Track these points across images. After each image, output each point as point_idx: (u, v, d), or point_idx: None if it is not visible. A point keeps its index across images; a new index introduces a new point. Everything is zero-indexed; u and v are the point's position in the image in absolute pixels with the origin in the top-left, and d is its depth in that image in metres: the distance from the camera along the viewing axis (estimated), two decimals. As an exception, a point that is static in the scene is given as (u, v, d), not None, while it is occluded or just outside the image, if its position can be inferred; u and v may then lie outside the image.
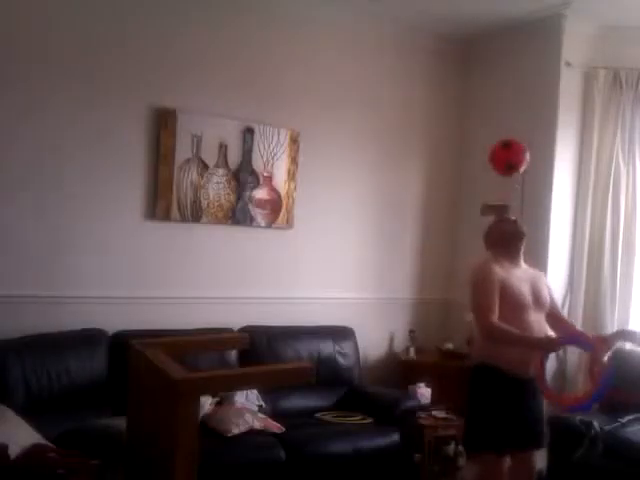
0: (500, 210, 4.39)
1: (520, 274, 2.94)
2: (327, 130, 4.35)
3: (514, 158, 3.48)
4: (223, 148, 3.98)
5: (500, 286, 2.84)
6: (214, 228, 4.00)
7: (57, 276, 3.54)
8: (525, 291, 2.89)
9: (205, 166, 3.93)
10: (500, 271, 2.88)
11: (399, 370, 4.53)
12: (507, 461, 2.85)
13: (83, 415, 3.10)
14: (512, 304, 2.84)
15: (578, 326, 4.16)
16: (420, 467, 3.85)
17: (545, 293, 3.00)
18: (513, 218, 3.12)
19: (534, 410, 2.90)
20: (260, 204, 4.12)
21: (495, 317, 2.79)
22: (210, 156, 3.94)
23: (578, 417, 3.61)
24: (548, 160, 4.22)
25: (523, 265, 3.01)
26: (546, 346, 2.86)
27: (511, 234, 3.00)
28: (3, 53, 3.35)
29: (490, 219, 3.26)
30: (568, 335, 2.96)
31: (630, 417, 3.58)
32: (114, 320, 3.56)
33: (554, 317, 3.04)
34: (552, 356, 4.21)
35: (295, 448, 3.34)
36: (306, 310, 4.25)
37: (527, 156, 3.51)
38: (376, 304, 4.59)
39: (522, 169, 3.55)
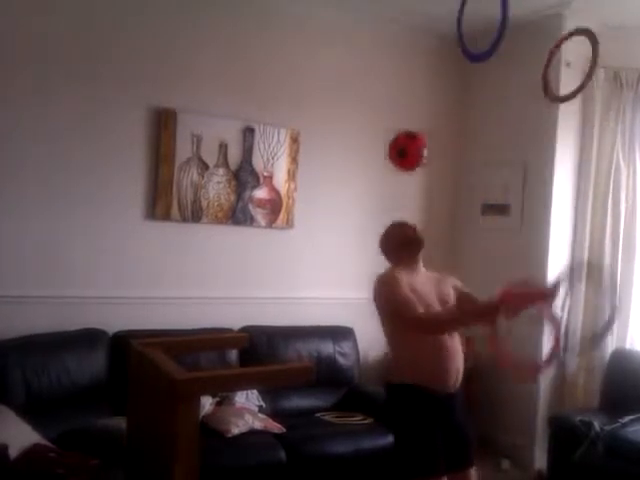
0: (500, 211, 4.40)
1: (423, 280, 2.79)
2: (327, 130, 4.35)
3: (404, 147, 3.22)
4: (223, 148, 3.98)
5: (407, 291, 2.67)
6: (214, 228, 4.00)
7: (57, 276, 3.54)
8: (431, 297, 2.73)
9: (205, 166, 3.93)
10: (404, 277, 2.72)
11: (399, 370, 4.52)
12: None
13: (83, 415, 3.11)
14: (417, 310, 2.66)
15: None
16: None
17: (451, 297, 2.82)
18: (412, 224, 2.94)
19: (459, 427, 2.68)
20: (260, 204, 4.12)
21: (414, 311, 2.62)
22: (210, 156, 3.94)
23: (578, 417, 3.62)
24: (548, 160, 4.22)
25: (423, 270, 2.86)
26: (489, 314, 2.55)
27: (411, 240, 2.83)
28: (3, 53, 3.35)
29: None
30: (512, 295, 2.52)
31: (630, 417, 3.58)
32: (114, 320, 3.56)
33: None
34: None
35: (295, 448, 3.34)
36: (306, 310, 4.24)
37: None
38: (376, 304, 4.58)
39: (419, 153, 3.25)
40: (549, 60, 2.92)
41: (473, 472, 2.72)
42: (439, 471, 2.53)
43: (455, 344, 2.72)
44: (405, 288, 2.67)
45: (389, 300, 2.70)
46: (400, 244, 2.86)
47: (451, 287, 2.85)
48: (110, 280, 3.69)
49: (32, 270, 3.47)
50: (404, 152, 3.19)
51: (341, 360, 4.13)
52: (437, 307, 2.71)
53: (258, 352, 3.77)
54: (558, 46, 2.98)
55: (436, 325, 2.66)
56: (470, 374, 4.33)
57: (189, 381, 1.75)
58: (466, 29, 4.55)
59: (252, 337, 3.57)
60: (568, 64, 4.14)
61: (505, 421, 4.40)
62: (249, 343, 3.05)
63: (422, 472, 2.52)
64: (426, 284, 2.78)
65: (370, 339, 4.47)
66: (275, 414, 3.66)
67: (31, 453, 2.25)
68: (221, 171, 3.99)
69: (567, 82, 4.18)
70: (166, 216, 3.82)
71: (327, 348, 4.10)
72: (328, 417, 3.80)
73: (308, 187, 4.29)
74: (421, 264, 2.86)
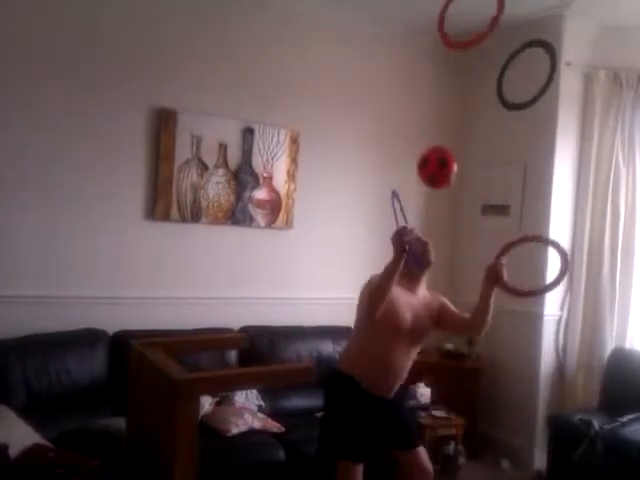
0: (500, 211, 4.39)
1: (411, 301, 2.80)
2: (327, 130, 4.35)
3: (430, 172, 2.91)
4: (223, 148, 3.98)
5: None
6: (214, 228, 4.00)
7: (57, 276, 3.54)
8: (405, 317, 2.74)
9: (205, 166, 3.93)
10: (396, 287, 2.72)
11: (399, 370, 4.52)
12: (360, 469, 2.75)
13: (83, 415, 3.11)
14: (387, 322, 2.69)
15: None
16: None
17: (426, 327, 2.83)
18: (425, 240, 2.93)
19: (395, 417, 2.84)
20: (260, 204, 4.12)
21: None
22: (210, 156, 3.94)
23: (577, 417, 3.62)
24: (548, 160, 4.22)
25: (421, 293, 2.88)
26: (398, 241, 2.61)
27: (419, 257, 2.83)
28: (3, 53, 3.35)
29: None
30: None
31: (630, 417, 3.58)
32: (114, 320, 3.56)
33: (467, 323, 2.85)
34: (551, 353, 4.26)
35: (295, 448, 3.34)
36: (306, 310, 4.25)
37: (444, 165, 2.91)
38: (376, 304, 4.59)
39: (443, 182, 2.97)
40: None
41: (421, 450, 2.91)
42: (355, 456, 2.71)
43: (403, 363, 2.80)
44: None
45: (368, 288, 2.76)
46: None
47: (436, 306, 2.89)
48: (110, 280, 3.69)
49: (32, 270, 3.47)
50: (445, 163, 2.84)
51: (341, 360, 4.13)
52: (404, 329, 2.75)
53: (258, 352, 3.77)
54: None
55: (379, 283, 2.66)
56: (470, 374, 4.36)
57: (189, 381, 1.75)
58: (466, 29, 4.57)
59: (252, 337, 3.58)
60: (568, 64, 4.15)
61: (505, 421, 4.40)
62: (249, 343, 3.05)
63: (343, 454, 2.72)
64: (411, 306, 2.80)
65: (370, 339, 4.49)
66: (275, 414, 3.66)
67: (31, 453, 2.25)
68: (221, 171, 3.99)
69: (567, 82, 4.19)
70: (166, 216, 3.83)
71: (327, 348, 4.10)
72: (328, 417, 3.80)
73: (308, 188, 4.29)
74: (422, 285, 2.91)
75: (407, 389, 2.93)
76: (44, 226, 3.50)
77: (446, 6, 2.72)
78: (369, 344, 2.77)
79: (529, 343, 4.28)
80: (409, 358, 2.83)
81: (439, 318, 2.89)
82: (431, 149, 2.89)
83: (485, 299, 2.76)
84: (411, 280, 2.86)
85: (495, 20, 2.59)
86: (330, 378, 2.89)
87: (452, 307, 2.95)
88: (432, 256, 2.91)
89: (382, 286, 2.63)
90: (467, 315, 2.86)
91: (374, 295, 2.66)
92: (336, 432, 2.76)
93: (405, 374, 2.85)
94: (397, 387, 2.84)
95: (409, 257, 2.63)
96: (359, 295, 2.84)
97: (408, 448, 2.88)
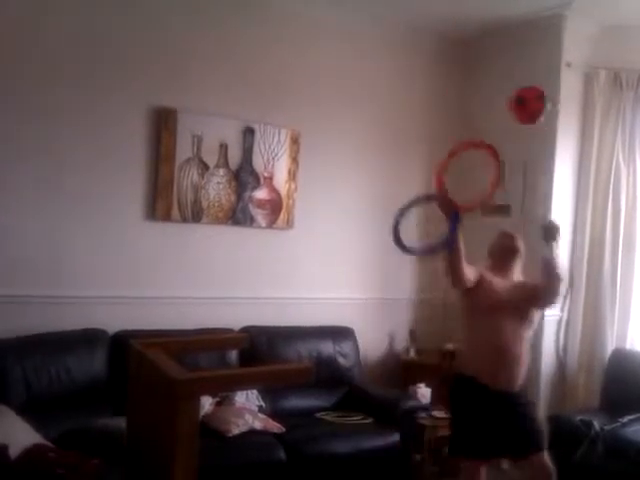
0: (501, 210, 4.41)
1: (505, 283, 3.00)
2: (328, 130, 4.35)
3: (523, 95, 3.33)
4: (223, 148, 3.98)
5: (480, 277, 2.93)
6: (214, 228, 4.00)
7: (57, 276, 3.54)
8: (503, 294, 2.93)
9: (205, 166, 3.93)
10: (484, 271, 2.99)
11: (399, 370, 4.52)
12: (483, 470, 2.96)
13: (83, 415, 3.11)
14: (485, 301, 2.90)
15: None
16: (420, 467, 3.85)
17: (529, 305, 2.97)
18: (511, 233, 3.16)
19: (511, 422, 2.87)
20: (260, 204, 4.12)
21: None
22: (210, 156, 3.94)
23: (578, 417, 3.62)
24: (548, 160, 4.22)
25: (514, 279, 3.06)
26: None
27: (505, 248, 3.09)
28: (3, 53, 3.35)
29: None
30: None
31: (630, 417, 3.58)
32: (114, 320, 3.56)
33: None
34: (551, 354, 4.26)
35: (295, 448, 3.34)
36: (306, 310, 4.25)
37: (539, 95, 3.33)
38: (376, 304, 4.59)
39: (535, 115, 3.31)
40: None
41: (542, 455, 2.91)
42: (477, 455, 2.89)
43: (514, 344, 2.89)
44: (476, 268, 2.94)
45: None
46: (493, 251, 3.13)
47: (529, 289, 3.00)
48: (110, 280, 3.68)
49: (32, 270, 3.47)
50: (522, 100, 3.29)
51: (341, 360, 4.13)
52: (504, 304, 2.89)
53: (258, 352, 3.77)
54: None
55: (449, 265, 2.91)
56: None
57: (189, 381, 1.75)
58: (466, 29, 4.58)
59: (252, 337, 3.57)
60: (568, 64, 4.14)
61: (505, 421, 4.39)
62: (249, 343, 3.05)
63: (467, 454, 2.91)
64: (506, 286, 2.97)
65: (370, 339, 4.50)
66: (275, 414, 3.66)
67: (31, 453, 2.25)
68: (221, 171, 3.99)
69: (567, 82, 4.19)
70: (166, 216, 3.82)
71: (327, 348, 4.10)
72: (328, 417, 3.80)
73: (308, 187, 4.29)
74: (514, 273, 3.06)
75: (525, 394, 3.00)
76: (44, 226, 3.50)
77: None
78: (476, 334, 2.94)
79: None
80: (519, 339, 2.92)
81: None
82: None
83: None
84: (502, 269, 3.05)
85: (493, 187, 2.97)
86: (453, 382, 3.04)
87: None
88: (519, 244, 3.08)
89: (450, 259, 2.87)
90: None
91: (448, 270, 2.89)
92: (461, 432, 2.92)
93: (521, 361, 2.91)
94: (518, 378, 2.90)
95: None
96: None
97: (522, 456, 2.93)
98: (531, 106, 3.26)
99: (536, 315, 3.00)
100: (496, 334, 2.87)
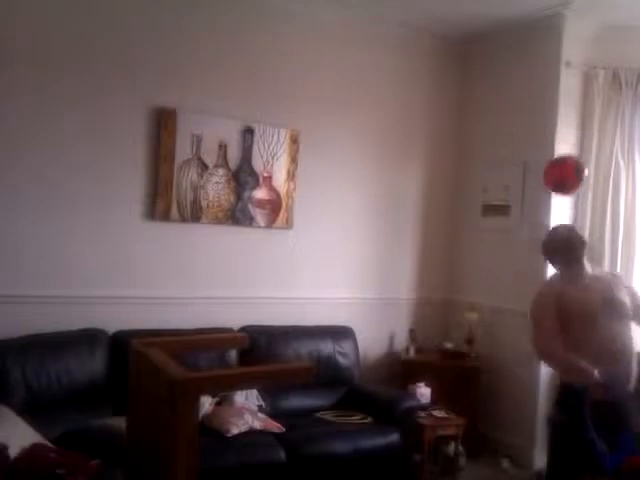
0: (501, 210, 4.41)
1: (586, 283, 2.82)
2: (327, 130, 4.35)
3: (563, 176, 3.43)
4: (223, 148, 3.98)
5: (559, 302, 2.75)
6: (214, 228, 4.00)
7: (57, 276, 3.54)
8: (593, 299, 2.76)
9: (205, 166, 3.93)
10: (557, 286, 2.81)
11: (399, 370, 4.53)
12: None
13: (83, 415, 3.11)
14: (578, 316, 2.74)
15: None
16: (420, 467, 3.85)
17: (624, 299, 2.85)
18: (569, 225, 3.03)
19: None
20: (260, 204, 4.12)
21: (553, 341, 2.74)
22: (210, 156, 3.94)
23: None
24: (548, 160, 4.21)
25: (590, 273, 2.88)
26: (585, 378, 2.69)
27: (567, 242, 2.86)
28: (2, 53, 3.35)
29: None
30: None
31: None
32: (114, 320, 3.56)
33: None
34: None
35: (295, 448, 3.34)
36: (306, 310, 4.25)
37: (580, 175, 3.44)
38: (376, 304, 4.59)
39: (571, 189, 3.48)
40: None
41: None
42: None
43: (619, 344, 2.77)
44: (550, 305, 2.76)
45: (533, 320, 2.86)
46: (554, 249, 2.89)
47: (625, 291, 2.88)
48: (110, 280, 3.68)
49: (32, 270, 3.47)
50: (560, 185, 3.50)
51: (341, 360, 4.13)
52: (599, 310, 2.74)
53: (258, 352, 3.77)
54: None
55: (556, 366, 2.89)
56: (470, 374, 4.36)
57: (189, 381, 1.75)
58: (466, 29, 4.58)
59: (252, 337, 3.58)
60: (567, 64, 4.15)
61: (505, 421, 4.40)
62: (249, 343, 3.05)
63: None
64: (589, 287, 2.81)
65: (370, 339, 4.50)
66: (275, 414, 3.66)
67: (31, 453, 2.24)
68: (221, 171, 3.99)
69: (567, 82, 4.19)
70: (166, 216, 3.82)
71: (327, 348, 4.10)
72: (328, 417, 3.81)
73: (308, 187, 4.29)
74: (585, 266, 2.87)
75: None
76: (44, 226, 3.50)
77: None
78: (580, 343, 2.76)
79: (529, 343, 4.27)
80: (622, 332, 2.78)
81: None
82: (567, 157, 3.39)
83: None
84: (572, 266, 2.86)
85: None
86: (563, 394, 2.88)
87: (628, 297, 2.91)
88: (581, 235, 2.94)
89: (561, 367, 2.83)
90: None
91: (549, 364, 2.92)
92: (577, 446, 2.71)
93: (633, 356, 2.79)
94: (634, 374, 2.78)
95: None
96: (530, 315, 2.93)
97: None
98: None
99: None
100: (599, 338, 2.73)
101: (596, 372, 2.68)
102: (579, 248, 2.86)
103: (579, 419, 2.70)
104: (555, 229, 3.02)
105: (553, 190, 3.48)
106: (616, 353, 2.77)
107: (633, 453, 2.61)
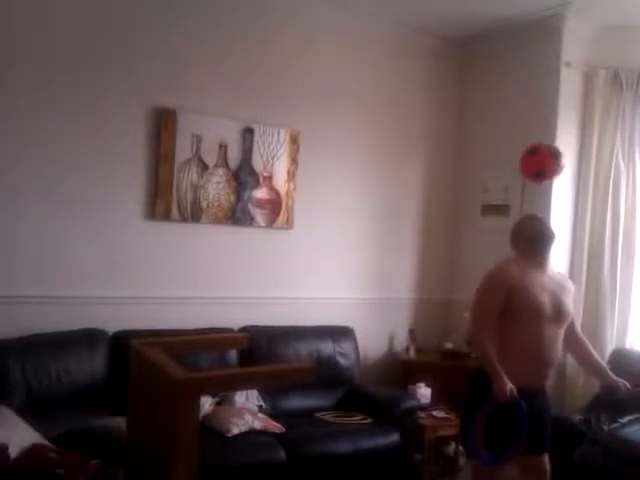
0: (501, 210, 4.41)
1: (544, 281, 2.76)
2: (327, 130, 4.35)
3: (542, 165, 3.41)
4: (223, 148, 3.98)
5: (511, 290, 2.69)
6: (214, 228, 4.00)
7: (57, 276, 3.53)
8: (544, 300, 2.72)
9: (205, 166, 3.93)
10: (517, 275, 2.72)
11: (399, 370, 4.53)
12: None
13: (83, 415, 3.10)
14: (526, 312, 2.70)
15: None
16: (420, 467, 3.85)
17: (568, 307, 2.82)
18: (540, 216, 2.97)
19: (535, 419, 2.80)
20: (260, 204, 4.12)
21: (486, 324, 2.71)
22: (210, 156, 3.94)
23: (578, 417, 3.62)
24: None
25: (550, 271, 2.83)
26: (496, 389, 2.66)
27: (536, 234, 2.80)
28: (2, 53, 3.34)
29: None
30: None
31: (630, 417, 3.57)
32: (114, 320, 3.56)
33: (569, 335, 2.88)
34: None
35: (295, 448, 3.34)
36: (306, 310, 4.25)
37: (558, 161, 3.42)
38: (376, 304, 4.59)
39: (553, 175, 3.47)
40: None
41: (542, 458, 2.95)
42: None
43: (551, 350, 2.79)
44: (501, 288, 2.70)
45: (478, 294, 2.79)
46: (527, 240, 2.82)
47: (570, 299, 2.85)
48: (110, 280, 3.68)
49: (32, 270, 3.47)
50: (539, 173, 3.47)
51: (341, 360, 4.13)
52: (546, 313, 2.73)
53: (258, 352, 3.77)
54: None
55: (478, 352, 2.85)
56: (470, 374, 4.35)
57: (189, 381, 1.75)
58: (466, 29, 4.58)
59: (252, 337, 3.57)
60: (568, 64, 4.15)
61: (505, 421, 4.39)
62: (249, 343, 3.05)
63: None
64: (545, 286, 2.76)
65: (370, 339, 4.50)
66: (275, 414, 3.66)
67: (31, 453, 2.24)
68: (221, 171, 3.99)
69: (567, 82, 4.19)
70: (166, 216, 3.82)
71: (327, 348, 4.10)
72: (328, 417, 3.80)
73: (308, 187, 4.29)
74: (549, 262, 2.83)
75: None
76: (44, 226, 3.50)
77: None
78: (515, 339, 2.75)
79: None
80: (557, 339, 2.78)
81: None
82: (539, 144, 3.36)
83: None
84: (537, 259, 2.80)
85: None
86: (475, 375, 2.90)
87: (572, 305, 2.90)
88: (552, 229, 2.92)
89: (481, 357, 2.81)
90: (577, 330, 2.95)
91: (476, 347, 2.88)
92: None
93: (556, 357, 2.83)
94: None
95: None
96: (478, 287, 2.85)
97: (537, 453, 2.91)
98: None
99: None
100: (537, 339, 2.73)
101: (509, 388, 2.64)
102: (549, 242, 2.81)
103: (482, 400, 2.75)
104: (530, 218, 2.95)
105: (533, 180, 3.48)
106: (546, 361, 2.77)
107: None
